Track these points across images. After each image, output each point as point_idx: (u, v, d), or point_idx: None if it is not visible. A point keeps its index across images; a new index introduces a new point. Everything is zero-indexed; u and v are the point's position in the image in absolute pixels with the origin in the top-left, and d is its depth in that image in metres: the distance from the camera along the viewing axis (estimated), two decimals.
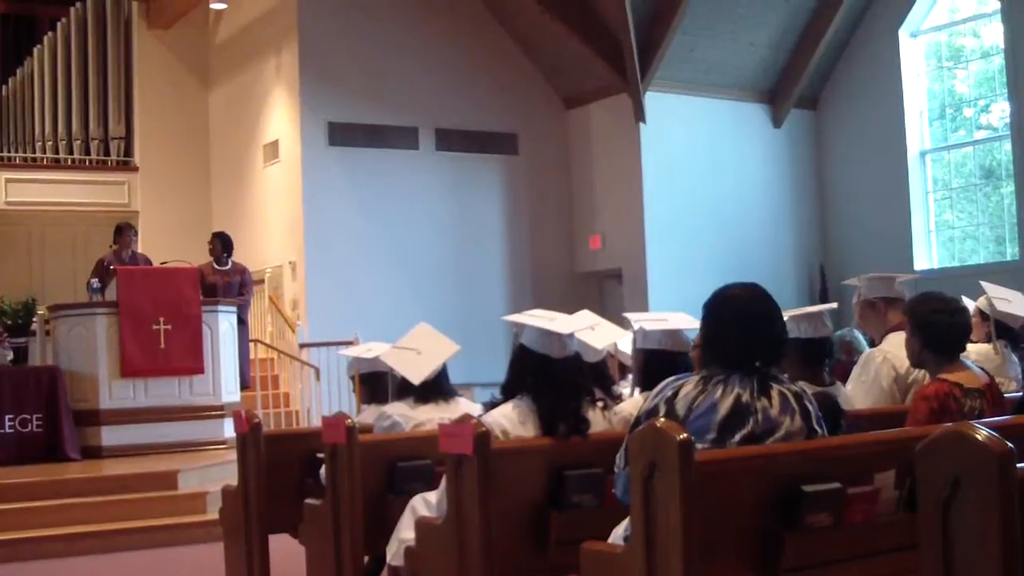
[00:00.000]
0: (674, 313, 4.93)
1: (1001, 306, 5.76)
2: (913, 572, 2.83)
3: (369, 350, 6.38)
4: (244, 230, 14.73)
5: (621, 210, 14.78)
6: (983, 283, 6.03)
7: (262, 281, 14.02)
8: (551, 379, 4.30)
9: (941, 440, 2.29)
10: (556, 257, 15.38)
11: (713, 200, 14.87)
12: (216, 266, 12.24)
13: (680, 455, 2.85)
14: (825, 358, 5.13)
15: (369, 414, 6.16)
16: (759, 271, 13.90)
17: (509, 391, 4.40)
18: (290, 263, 14.21)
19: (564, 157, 15.57)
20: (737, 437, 3.25)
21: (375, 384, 6.37)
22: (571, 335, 4.39)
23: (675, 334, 4.64)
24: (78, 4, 15.97)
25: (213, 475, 9.28)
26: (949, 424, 2.56)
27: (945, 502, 2.26)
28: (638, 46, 13.93)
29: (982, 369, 4.40)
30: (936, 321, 4.28)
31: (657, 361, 4.52)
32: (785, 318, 4.78)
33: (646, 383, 4.48)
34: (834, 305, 5.52)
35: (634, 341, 4.82)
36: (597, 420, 4.40)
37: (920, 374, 5.10)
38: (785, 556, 3.10)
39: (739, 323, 3.41)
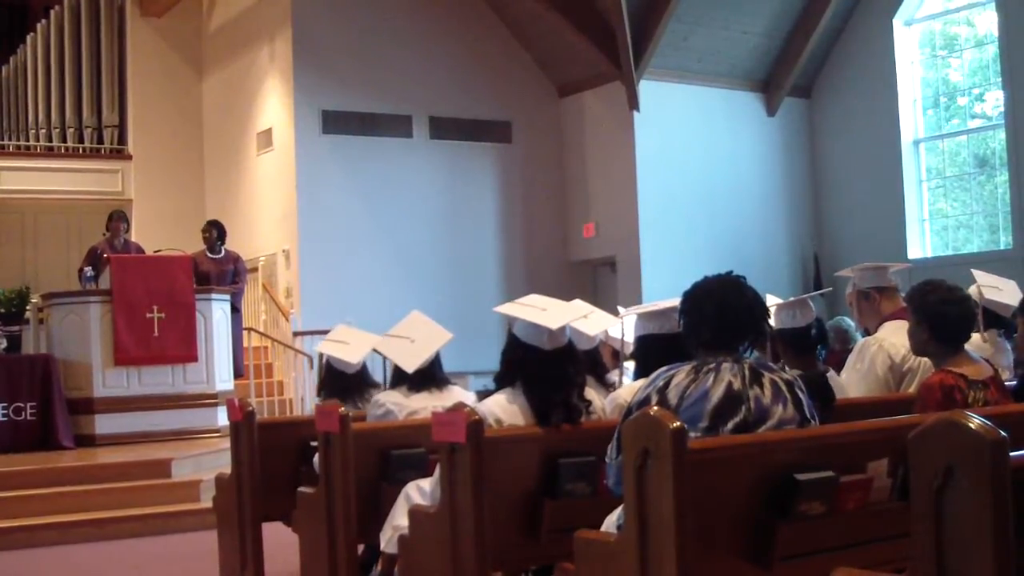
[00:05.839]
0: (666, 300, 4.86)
1: (990, 295, 5.68)
2: (906, 560, 2.84)
3: (345, 344, 6.08)
4: (238, 218, 14.70)
5: (615, 198, 14.77)
6: (975, 272, 5.98)
7: (256, 269, 14.00)
8: (542, 370, 4.28)
9: (934, 428, 2.29)
10: (550, 245, 15.37)
11: (707, 189, 14.86)
12: (209, 254, 12.22)
13: (673, 443, 2.85)
14: (816, 344, 5.13)
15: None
16: (753, 259, 13.92)
17: (502, 380, 4.40)
18: (284, 251, 14.19)
19: (558, 145, 15.55)
20: (729, 425, 3.25)
21: (338, 379, 6.16)
22: (563, 328, 4.35)
23: (659, 315, 4.55)
24: None
25: (207, 463, 9.28)
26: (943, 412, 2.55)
27: (938, 490, 2.25)
28: (632, 34, 13.90)
29: (985, 360, 4.37)
30: (946, 312, 4.19)
31: (652, 346, 4.48)
32: (771, 312, 4.78)
33: (644, 369, 4.41)
34: (823, 291, 5.52)
35: (623, 334, 4.82)
36: (597, 401, 4.41)
37: (915, 363, 5.09)
38: (778, 544, 3.11)
39: (716, 306, 3.44)
